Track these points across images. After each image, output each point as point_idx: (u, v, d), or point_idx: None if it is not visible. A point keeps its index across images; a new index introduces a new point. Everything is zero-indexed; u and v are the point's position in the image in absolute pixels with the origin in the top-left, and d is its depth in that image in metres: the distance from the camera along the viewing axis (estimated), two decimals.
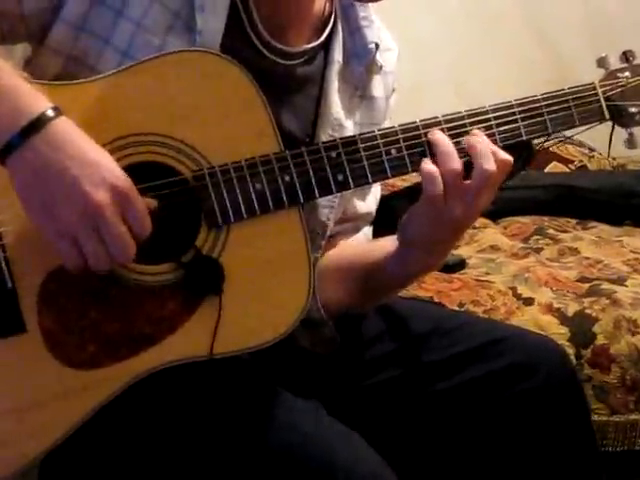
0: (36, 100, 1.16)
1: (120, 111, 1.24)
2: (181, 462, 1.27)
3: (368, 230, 1.59)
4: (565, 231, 2.84)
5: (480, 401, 1.42)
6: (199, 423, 1.28)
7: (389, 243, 1.41)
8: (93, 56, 1.29)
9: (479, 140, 1.30)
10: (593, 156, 3.43)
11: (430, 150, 1.30)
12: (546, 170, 3.31)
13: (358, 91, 1.45)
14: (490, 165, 1.27)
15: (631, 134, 1.43)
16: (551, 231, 2.82)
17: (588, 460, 1.44)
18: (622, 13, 3.49)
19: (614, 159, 3.47)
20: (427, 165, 1.28)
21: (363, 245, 1.53)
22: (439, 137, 1.30)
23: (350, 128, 1.43)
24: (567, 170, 3.33)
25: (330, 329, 1.46)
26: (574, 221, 2.93)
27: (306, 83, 1.41)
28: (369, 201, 1.57)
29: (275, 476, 1.23)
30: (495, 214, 3.00)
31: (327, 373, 1.47)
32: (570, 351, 2.04)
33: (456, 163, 1.27)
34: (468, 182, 1.27)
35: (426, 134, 1.31)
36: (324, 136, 1.40)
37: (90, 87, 1.24)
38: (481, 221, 2.92)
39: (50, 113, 1.15)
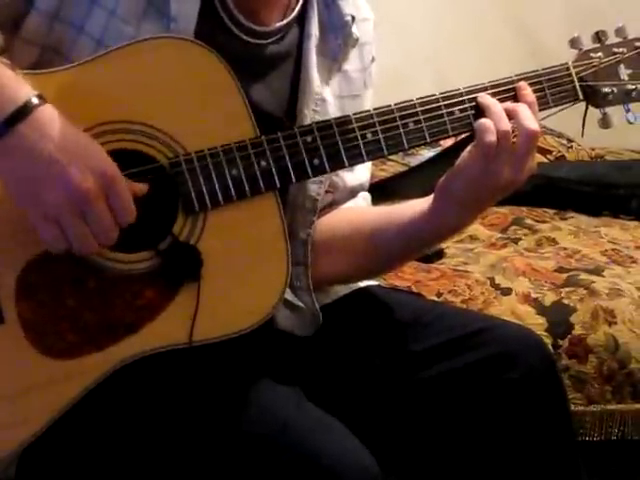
0: (20, 87, 1.16)
1: (94, 99, 1.23)
2: (160, 450, 1.27)
3: (366, 195, 1.59)
4: (543, 221, 2.85)
5: (459, 392, 1.42)
6: (177, 410, 1.28)
7: (418, 203, 1.42)
8: (67, 45, 1.29)
9: (519, 104, 1.34)
10: (571, 147, 3.43)
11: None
12: None
13: (337, 64, 1.45)
14: (535, 125, 1.32)
15: (604, 114, 1.43)
16: (529, 221, 2.83)
17: (566, 450, 1.44)
18: (604, 5, 3.49)
19: (592, 150, 3.49)
20: (482, 119, 1.32)
21: (381, 210, 1.52)
22: (489, 100, 1.35)
23: (332, 102, 1.44)
24: (545, 160, 3.33)
25: (315, 310, 1.47)
26: (552, 211, 2.94)
27: (281, 60, 1.41)
28: (359, 172, 1.56)
29: (255, 462, 1.23)
30: None
31: (308, 359, 1.46)
32: (547, 341, 2.04)
33: (507, 124, 1.32)
34: (516, 144, 1.31)
35: (401, 117, 1.32)
36: (307, 112, 1.40)
37: (64, 75, 1.24)
38: None
39: (35, 100, 1.15)
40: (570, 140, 3.46)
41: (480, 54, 3.55)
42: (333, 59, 1.44)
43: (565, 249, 2.53)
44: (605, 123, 1.42)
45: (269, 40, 1.39)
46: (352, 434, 1.26)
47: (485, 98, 1.36)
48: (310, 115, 1.40)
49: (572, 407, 1.98)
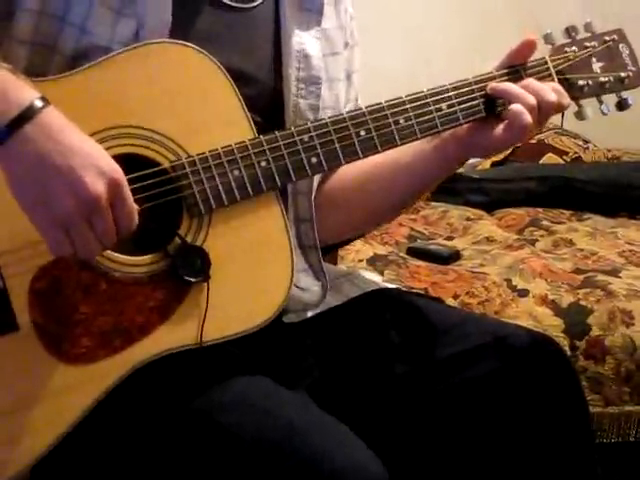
0: (23, 91, 1.15)
1: (95, 106, 1.24)
2: (163, 452, 1.26)
3: None
4: (560, 222, 2.85)
5: (479, 400, 1.40)
6: (182, 413, 1.27)
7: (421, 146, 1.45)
8: (53, 37, 1.29)
9: (527, 79, 1.41)
10: (588, 148, 3.44)
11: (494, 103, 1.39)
12: (541, 162, 3.32)
13: (321, 20, 1.46)
14: (551, 95, 1.37)
15: (580, 106, 1.46)
16: (546, 222, 2.83)
17: (585, 454, 1.43)
18: (620, 11, 3.48)
19: (609, 151, 3.48)
20: (513, 105, 1.36)
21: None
22: (502, 86, 1.39)
23: (317, 56, 1.44)
24: (562, 162, 3.33)
25: (322, 270, 1.48)
26: (569, 212, 2.94)
27: (263, 24, 1.42)
28: None
29: (260, 466, 1.22)
30: (490, 206, 3.01)
31: (323, 364, 1.46)
32: (565, 342, 2.05)
33: (532, 99, 1.36)
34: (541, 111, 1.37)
35: (392, 114, 1.35)
36: (292, 71, 1.41)
37: (64, 83, 1.24)
38: (476, 212, 2.93)
39: (38, 103, 1.14)
40: (587, 141, 3.46)
41: (491, 56, 3.55)
42: (316, 14, 1.45)
43: (582, 250, 2.53)
44: (581, 115, 1.46)
45: (252, 4, 1.40)
46: (359, 439, 1.25)
47: (497, 86, 1.39)
48: (294, 74, 1.41)
49: (590, 409, 1.98)
